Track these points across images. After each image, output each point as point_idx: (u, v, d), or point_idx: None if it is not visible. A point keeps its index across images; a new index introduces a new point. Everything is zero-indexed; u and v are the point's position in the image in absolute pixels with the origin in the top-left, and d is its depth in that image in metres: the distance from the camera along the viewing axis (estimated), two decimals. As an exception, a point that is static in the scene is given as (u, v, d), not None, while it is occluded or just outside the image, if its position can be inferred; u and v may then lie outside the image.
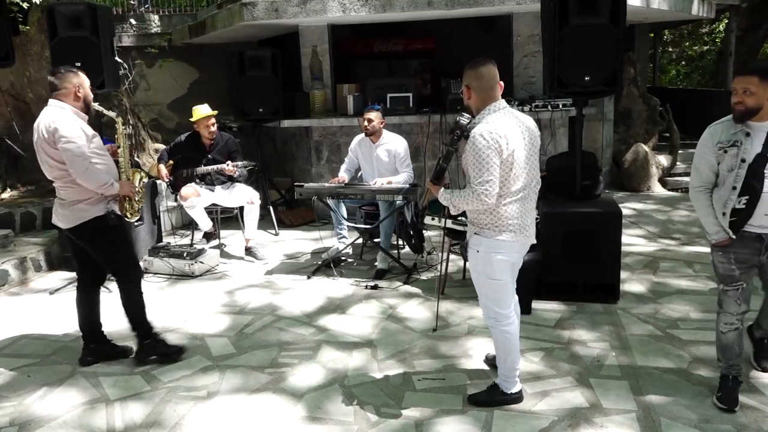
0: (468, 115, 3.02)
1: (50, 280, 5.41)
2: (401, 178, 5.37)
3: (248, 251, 5.90)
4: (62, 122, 3.47)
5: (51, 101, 3.58)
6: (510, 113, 2.98)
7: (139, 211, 3.95)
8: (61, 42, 5.54)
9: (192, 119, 5.87)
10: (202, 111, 5.85)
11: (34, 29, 7.09)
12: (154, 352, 3.81)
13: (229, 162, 5.77)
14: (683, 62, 20.24)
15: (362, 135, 5.61)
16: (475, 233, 3.05)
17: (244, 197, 5.89)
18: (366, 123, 5.41)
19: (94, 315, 3.84)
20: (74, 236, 3.66)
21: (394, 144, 5.49)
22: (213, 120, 5.88)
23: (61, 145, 3.45)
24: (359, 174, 5.78)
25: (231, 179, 5.92)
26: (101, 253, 3.71)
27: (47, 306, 4.81)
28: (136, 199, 3.86)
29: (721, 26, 16.87)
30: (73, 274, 5.23)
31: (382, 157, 5.49)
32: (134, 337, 3.85)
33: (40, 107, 3.64)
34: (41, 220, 6.30)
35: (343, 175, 5.61)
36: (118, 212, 3.71)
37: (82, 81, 3.62)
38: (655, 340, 3.88)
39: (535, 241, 3.13)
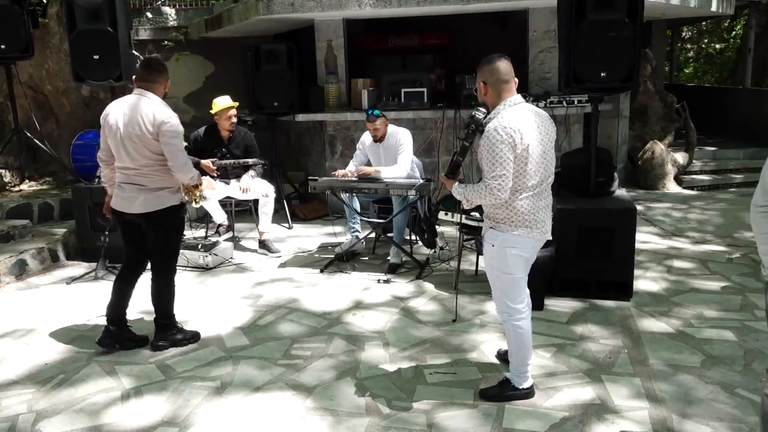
0: (483, 110, 3.02)
1: (67, 270, 5.49)
2: (391, 172, 5.28)
3: (262, 244, 5.93)
4: (167, 116, 3.55)
5: (144, 92, 3.62)
6: (526, 108, 2.97)
7: (202, 197, 4.04)
8: (79, 34, 5.61)
9: (212, 111, 5.89)
10: (224, 102, 5.87)
11: (53, 22, 7.17)
12: (173, 340, 3.91)
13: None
14: (701, 59, 19.98)
15: None
16: (491, 228, 3.06)
17: (259, 191, 5.92)
18: (373, 131, 5.41)
19: (125, 301, 3.92)
20: (146, 221, 3.71)
21: (396, 136, 5.46)
22: (234, 111, 5.90)
23: (165, 139, 3.53)
24: None
25: (246, 169, 5.93)
26: (161, 239, 3.78)
27: (64, 295, 4.88)
28: (201, 186, 3.95)
29: (741, 23, 16.64)
30: (90, 265, 5.37)
31: (389, 151, 5.50)
32: (156, 325, 3.93)
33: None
34: (59, 211, 6.39)
35: (351, 168, 5.61)
36: (189, 203, 3.80)
37: (168, 75, 3.71)
38: (668, 337, 3.86)
39: (550, 237, 3.14)
